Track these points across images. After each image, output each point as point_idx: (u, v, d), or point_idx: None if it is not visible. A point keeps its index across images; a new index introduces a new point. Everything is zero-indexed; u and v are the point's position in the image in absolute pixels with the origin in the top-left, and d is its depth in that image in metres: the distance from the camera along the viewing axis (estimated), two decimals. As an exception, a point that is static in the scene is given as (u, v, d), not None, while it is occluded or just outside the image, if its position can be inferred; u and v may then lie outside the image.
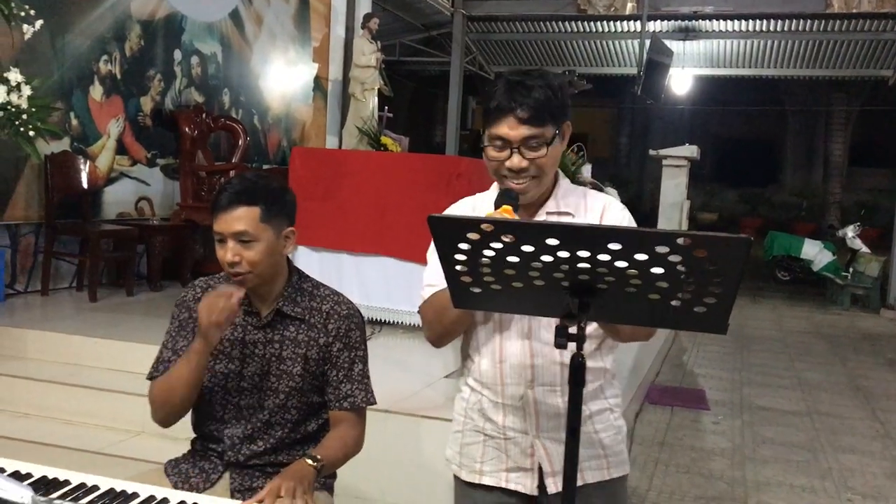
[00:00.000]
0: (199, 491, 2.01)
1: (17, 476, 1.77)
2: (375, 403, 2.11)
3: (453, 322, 1.81)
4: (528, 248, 1.40)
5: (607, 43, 14.01)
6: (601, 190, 4.73)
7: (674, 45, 12.45)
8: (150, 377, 2.09)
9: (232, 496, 2.00)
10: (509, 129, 1.70)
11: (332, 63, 9.37)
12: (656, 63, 9.60)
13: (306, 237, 4.87)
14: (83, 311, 5.11)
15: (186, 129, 6.47)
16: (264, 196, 1.97)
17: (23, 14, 4.76)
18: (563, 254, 1.38)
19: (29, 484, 1.74)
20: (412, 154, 6.28)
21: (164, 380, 2.01)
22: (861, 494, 4.11)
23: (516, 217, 1.65)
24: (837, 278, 12.41)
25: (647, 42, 11.33)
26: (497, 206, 1.68)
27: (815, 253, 13.35)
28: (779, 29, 12.54)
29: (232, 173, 6.51)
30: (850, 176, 18.58)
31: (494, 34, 14.14)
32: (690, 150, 7.37)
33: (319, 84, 9.18)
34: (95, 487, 1.75)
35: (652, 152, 7.48)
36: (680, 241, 1.31)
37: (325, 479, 2.08)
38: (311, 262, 4.85)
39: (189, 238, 6.23)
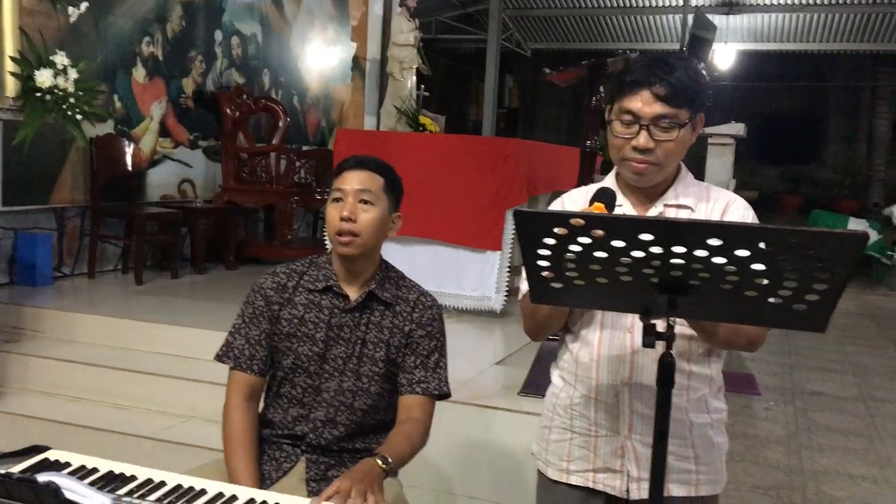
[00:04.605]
0: (270, 480, 2.00)
1: (84, 471, 1.76)
2: (450, 395, 2.09)
3: (546, 317, 1.75)
4: (618, 244, 1.33)
5: (649, 18, 13.72)
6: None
7: (717, 20, 12.15)
8: (219, 358, 2.09)
9: (307, 485, 1.99)
10: (643, 104, 1.62)
11: (371, 42, 9.28)
12: (699, 38, 9.32)
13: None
14: (129, 294, 5.13)
15: (228, 111, 6.45)
16: (388, 172, 2.07)
17: (68, -3, 4.76)
18: (656, 249, 1.31)
19: (96, 478, 1.73)
20: (459, 136, 6.20)
21: (226, 434, 2.02)
22: (924, 485, 4.00)
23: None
24: (883, 258, 12.13)
25: (690, 17, 11.07)
26: (591, 202, 1.61)
27: (864, 230, 13.05)
28: (824, 2, 12.20)
29: (273, 155, 6.50)
30: (895, 152, 18.11)
31: (532, 10, 13.92)
32: (737, 129, 7.16)
33: (357, 63, 9.10)
34: (163, 483, 1.72)
35: (697, 130, 7.33)
36: (788, 237, 1.23)
37: None
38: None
39: (232, 220, 6.23)
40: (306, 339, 2.02)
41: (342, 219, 1.97)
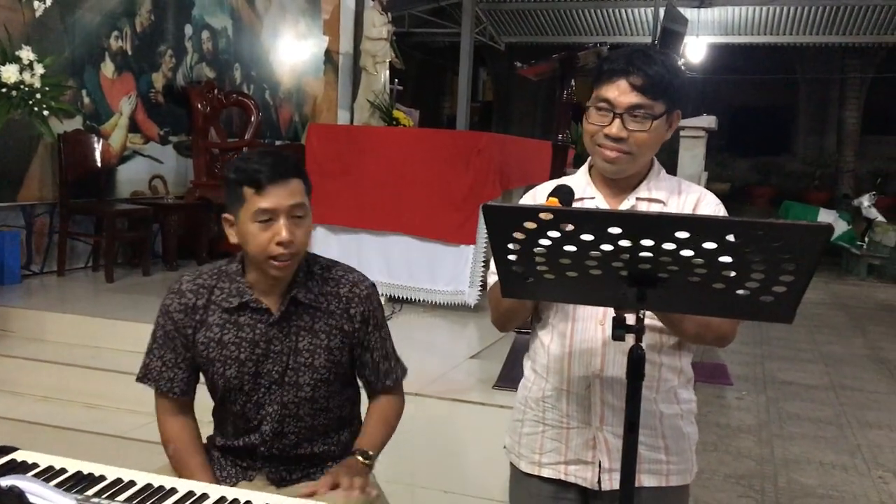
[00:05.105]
0: (235, 481, 1.96)
1: (52, 472, 1.73)
2: (407, 369, 2.09)
3: (508, 309, 1.76)
4: (587, 237, 1.33)
5: (620, 11, 13.79)
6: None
7: (688, 13, 12.23)
8: (140, 381, 1.97)
9: (272, 483, 1.96)
10: (619, 93, 1.63)
11: (343, 36, 9.23)
12: (671, 31, 9.36)
13: (325, 216, 4.80)
14: (100, 291, 5.06)
15: (199, 106, 6.38)
16: (300, 166, 1.83)
17: (32, -10, 4.68)
18: (625, 243, 1.32)
19: (64, 479, 1.70)
20: (432, 130, 6.18)
21: (174, 455, 1.93)
22: (893, 472, 4.06)
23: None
24: (853, 248, 12.30)
25: (662, 10, 11.13)
26: (547, 198, 1.62)
27: (830, 222, 13.21)
28: (794, -5, 12.34)
29: (245, 150, 6.44)
30: (864, 144, 18.33)
31: (505, 3, 13.93)
32: (709, 121, 7.19)
33: (330, 57, 9.06)
34: (132, 483, 1.70)
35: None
36: (754, 229, 1.24)
37: None
38: (329, 242, 4.79)
39: (204, 216, 6.17)
40: (231, 361, 1.85)
41: (280, 243, 1.74)
